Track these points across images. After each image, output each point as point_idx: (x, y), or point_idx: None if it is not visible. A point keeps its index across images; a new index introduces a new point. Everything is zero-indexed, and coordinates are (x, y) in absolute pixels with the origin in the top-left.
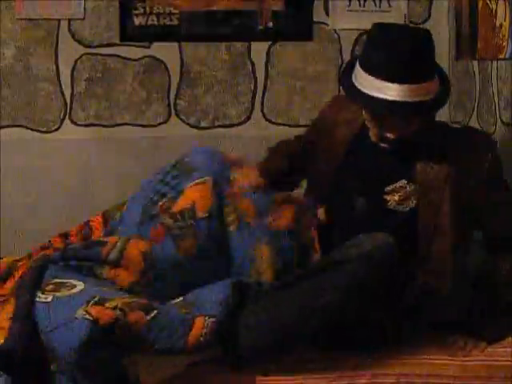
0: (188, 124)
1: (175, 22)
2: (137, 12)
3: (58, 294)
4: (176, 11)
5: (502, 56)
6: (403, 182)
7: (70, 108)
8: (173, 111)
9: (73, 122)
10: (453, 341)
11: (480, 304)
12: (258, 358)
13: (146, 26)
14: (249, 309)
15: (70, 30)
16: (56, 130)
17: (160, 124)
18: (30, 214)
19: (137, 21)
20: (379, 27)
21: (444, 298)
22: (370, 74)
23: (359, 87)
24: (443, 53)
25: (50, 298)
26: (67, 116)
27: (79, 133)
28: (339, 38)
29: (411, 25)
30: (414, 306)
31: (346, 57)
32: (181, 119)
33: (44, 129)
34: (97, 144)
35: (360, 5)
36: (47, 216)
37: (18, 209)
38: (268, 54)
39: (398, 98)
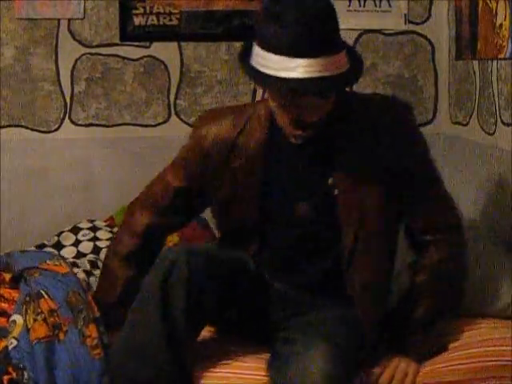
0: (188, 124)
1: (175, 22)
2: (137, 12)
3: None
4: (176, 11)
5: (502, 56)
6: (336, 173)
7: (70, 108)
8: (173, 111)
9: (73, 122)
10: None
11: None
12: None
13: (146, 25)
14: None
15: (69, 30)
16: (56, 130)
17: (160, 124)
18: (29, 214)
19: (137, 21)
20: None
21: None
22: (274, 53)
23: (264, 71)
24: (443, 53)
25: None
26: (67, 116)
27: (79, 133)
28: None
29: (411, 25)
30: None
31: None
32: (181, 119)
33: (44, 129)
34: (97, 144)
35: (360, 5)
36: (47, 216)
37: (17, 209)
38: None
39: (309, 75)
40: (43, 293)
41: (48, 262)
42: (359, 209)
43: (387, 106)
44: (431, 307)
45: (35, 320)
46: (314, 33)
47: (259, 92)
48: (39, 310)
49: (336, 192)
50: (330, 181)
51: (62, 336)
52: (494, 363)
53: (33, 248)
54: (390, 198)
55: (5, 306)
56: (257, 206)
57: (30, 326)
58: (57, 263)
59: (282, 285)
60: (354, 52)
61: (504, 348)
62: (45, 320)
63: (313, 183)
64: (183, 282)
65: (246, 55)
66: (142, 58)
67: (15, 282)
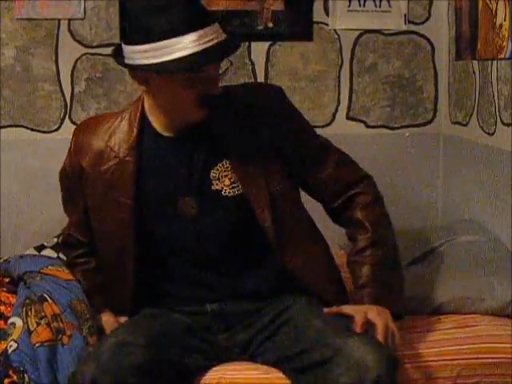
0: None
1: None
2: None
3: None
4: None
5: (502, 56)
6: (224, 161)
7: (70, 108)
8: None
9: (73, 122)
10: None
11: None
12: None
13: None
14: None
15: (69, 30)
16: (56, 130)
17: None
18: (30, 214)
19: None
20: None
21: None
22: (164, 39)
23: (160, 60)
24: (443, 53)
25: None
26: (67, 116)
27: None
28: (339, 38)
29: (411, 25)
30: None
31: (346, 57)
32: None
33: (44, 129)
34: None
35: (360, 5)
36: (47, 216)
37: (17, 209)
38: (268, 53)
39: (206, 44)
40: (46, 296)
41: (50, 267)
42: (267, 191)
43: (260, 91)
44: (383, 254)
45: (38, 324)
46: (192, 8)
47: None
48: (43, 314)
49: (222, 189)
50: (213, 174)
51: (66, 340)
52: (492, 360)
53: (32, 249)
54: (287, 174)
55: (2, 308)
56: (130, 209)
57: (32, 329)
58: (59, 269)
59: (215, 305)
60: (222, 24)
61: (504, 345)
62: (48, 324)
63: (195, 176)
64: None
65: (122, 61)
66: None
67: (13, 286)
